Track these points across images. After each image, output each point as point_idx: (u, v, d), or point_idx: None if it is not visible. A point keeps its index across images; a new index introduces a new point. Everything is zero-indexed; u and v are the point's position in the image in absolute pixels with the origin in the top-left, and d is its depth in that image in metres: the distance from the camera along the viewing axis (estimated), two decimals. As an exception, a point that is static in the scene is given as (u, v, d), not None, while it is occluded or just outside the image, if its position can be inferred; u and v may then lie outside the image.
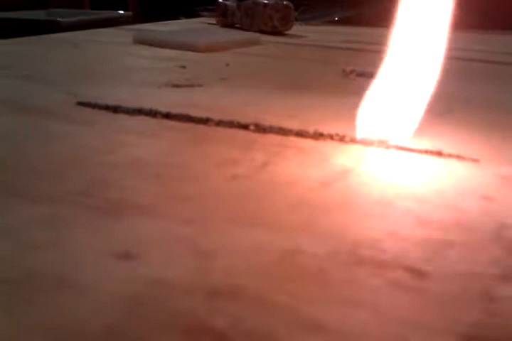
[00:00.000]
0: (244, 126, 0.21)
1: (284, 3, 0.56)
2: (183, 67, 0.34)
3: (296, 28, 0.59)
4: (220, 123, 0.21)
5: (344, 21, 0.71)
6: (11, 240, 0.11)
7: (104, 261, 0.11)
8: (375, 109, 0.19)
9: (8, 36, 0.50)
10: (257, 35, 0.49)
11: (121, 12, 0.71)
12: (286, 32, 0.58)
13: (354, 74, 0.33)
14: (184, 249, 0.11)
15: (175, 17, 0.74)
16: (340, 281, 0.10)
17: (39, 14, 0.64)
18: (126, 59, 0.38)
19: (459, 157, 0.17)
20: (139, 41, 0.44)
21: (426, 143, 0.19)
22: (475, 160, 0.17)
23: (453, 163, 0.17)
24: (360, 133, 0.19)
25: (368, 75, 0.32)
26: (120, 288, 0.10)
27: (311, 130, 0.20)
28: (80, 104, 0.23)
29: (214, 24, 0.69)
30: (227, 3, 0.64)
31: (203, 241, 0.12)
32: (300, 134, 0.20)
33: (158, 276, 0.10)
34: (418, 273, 0.11)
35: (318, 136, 0.20)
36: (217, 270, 0.10)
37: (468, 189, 0.15)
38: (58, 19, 0.54)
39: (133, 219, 0.13)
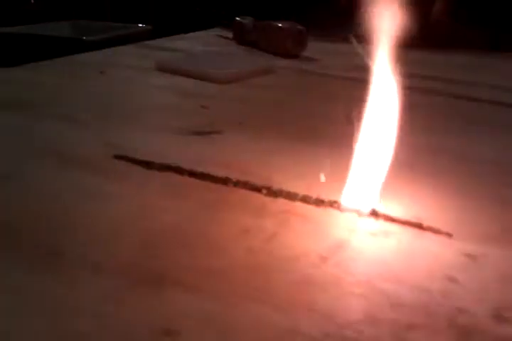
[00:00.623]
0: (258, 189, 0.24)
1: (298, 27, 0.59)
2: (204, 106, 0.37)
3: (310, 46, 0.61)
4: (237, 183, 0.25)
5: (359, 38, 0.73)
6: (84, 315, 0.15)
7: (153, 338, 0.14)
8: (359, 175, 0.22)
9: (33, 54, 0.53)
10: (271, 62, 0.52)
11: (141, 25, 0.74)
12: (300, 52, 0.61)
13: (358, 118, 0.36)
14: (211, 327, 0.15)
15: (191, 29, 0.77)
16: (326, 365, 0.14)
17: (63, 27, 0.67)
18: (151, 93, 0.41)
19: (435, 231, 0.21)
20: (161, 69, 0.47)
21: (408, 212, 0.22)
22: (449, 235, 0.21)
23: (429, 238, 0.21)
24: (345, 202, 0.22)
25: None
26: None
27: (314, 195, 0.23)
28: (117, 157, 0.27)
29: (229, 38, 0.72)
30: (244, 22, 0.67)
31: (225, 319, 0.15)
32: (304, 200, 0.23)
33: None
34: (385, 355, 0.14)
35: (319, 202, 0.23)
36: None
37: (438, 269, 0.18)
38: (83, 38, 0.57)
39: (172, 293, 0.16)
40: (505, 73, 0.58)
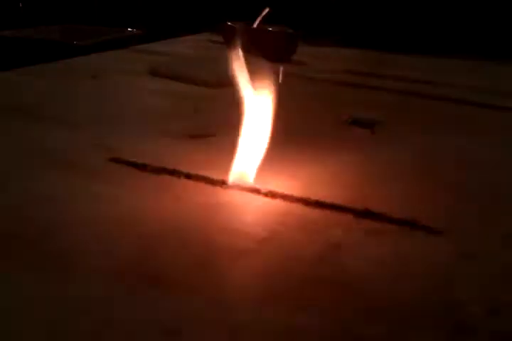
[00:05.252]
0: (256, 191, 0.24)
1: (288, 31, 0.60)
2: (196, 110, 0.38)
3: (300, 50, 0.62)
4: (234, 186, 0.25)
5: (349, 41, 0.74)
6: (89, 316, 0.15)
7: (157, 339, 0.15)
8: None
9: (23, 58, 0.53)
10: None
11: (132, 30, 0.74)
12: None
13: (349, 121, 0.37)
14: (215, 328, 0.15)
15: (182, 34, 0.77)
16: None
17: (53, 31, 0.67)
18: (145, 97, 0.42)
19: (427, 229, 0.22)
20: (154, 74, 0.48)
21: (402, 210, 0.23)
22: (439, 233, 0.21)
23: (421, 236, 0.21)
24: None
25: (365, 123, 0.36)
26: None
27: (310, 196, 0.24)
28: (113, 160, 0.27)
29: (220, 43, 0.72)
30: (235, 26, 0.67)
31: (230, 321, 0.16)
32: (302, 201, 0.24)
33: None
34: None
35: (318, 205, 0.23)
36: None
37: (430, 263, 0.19)
38: (74, 42, 0.57)
39: (174, 295, 0.17)
40: (492, 77, 0.60)
